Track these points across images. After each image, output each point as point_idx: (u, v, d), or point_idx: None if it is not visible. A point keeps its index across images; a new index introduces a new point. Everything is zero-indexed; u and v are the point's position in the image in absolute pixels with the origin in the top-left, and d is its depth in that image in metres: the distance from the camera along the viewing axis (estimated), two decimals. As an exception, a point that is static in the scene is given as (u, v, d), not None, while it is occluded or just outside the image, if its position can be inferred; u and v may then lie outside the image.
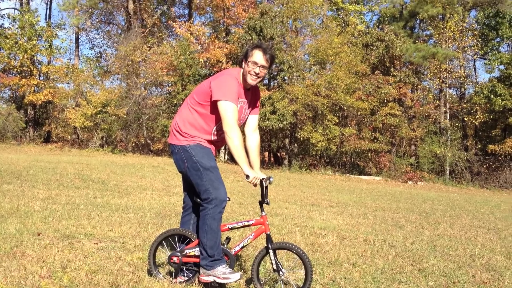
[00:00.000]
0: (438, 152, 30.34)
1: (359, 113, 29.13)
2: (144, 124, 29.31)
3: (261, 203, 3.83)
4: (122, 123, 28.70)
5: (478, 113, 30.89)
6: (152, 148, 29.02)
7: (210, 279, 3.70)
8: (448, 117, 32.92)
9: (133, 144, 29.44)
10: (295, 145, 29.89)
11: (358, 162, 31.51)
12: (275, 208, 9.69)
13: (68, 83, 31.07)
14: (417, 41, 32.26)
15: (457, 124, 34.00)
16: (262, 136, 30.11)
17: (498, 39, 31.87)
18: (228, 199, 3.80)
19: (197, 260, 3.82)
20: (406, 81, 30.78)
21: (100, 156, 22.69)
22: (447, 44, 31.88)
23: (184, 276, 3.93)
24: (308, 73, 30.58)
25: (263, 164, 30.72)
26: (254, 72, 3.87)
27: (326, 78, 27.38)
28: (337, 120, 27.89)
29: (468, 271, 5.27)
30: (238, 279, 3.71)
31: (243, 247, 3.93)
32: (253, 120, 4.14)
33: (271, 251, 3.77)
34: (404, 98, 31.01)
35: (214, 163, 3.86)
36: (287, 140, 30.28)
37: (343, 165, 31.18)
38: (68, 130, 32.22)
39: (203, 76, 28.28)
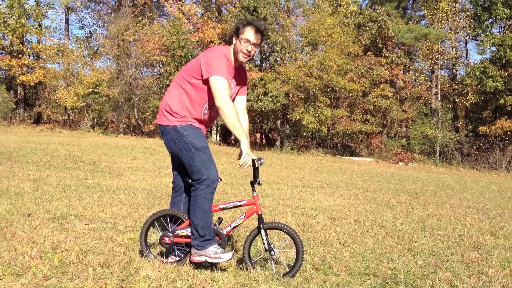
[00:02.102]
0: (429, 133, 30.50)
1: (351, 94, 29.13)
2: (135, 105, 29.14)
3: (252, 184, 3.82)
4: (113, 104, 28.52)
5: (469, 94, 30.98)
6: (143, 130, 28.90)
7: (201, 259, 3.70)
8: (439, 98, 33.00)
9: (124, 125, 29.30)
10: (287, 126, 29.91)
11: (350, 144, 31.64)
12: (267, 189, 9.73)
13: (59, 63, 30.76)
14: (409, 22, 32.16)
15: (448, 106, 34.12)
16: (254, 117, 30.11)
17: (490, 20, 31.78)
18: (219, 179, 3.80)
19: (188, 240, 3.81)
20: (398, 62, 30.78)
21: (91, 137, 22.58)
22: (439, 25, 31.81)
23: (175, 256, 3.93)
24: (300, 54, 30.45)
25: (255, 145, 30.75)
26: (247, 50, 3.83)
27: (318, 59, 27.29)
28: (329, 102, 27.90)
29: (457, 250, 5.33)
30: (230, 259, 3.71)
31: (235, 227, 3.93)
32: (241, 101, 4.10)
33: (262, 231, 3.78)
34: (396, 80, 31.04)
35: (205, 143, 3.83)
36: (279, 122, 30.28)
37: (335, 146, 31.28)
38: (59, 111, 31.99)
39: (195, 57, 28.03)
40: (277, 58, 29.03)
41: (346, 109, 29.84)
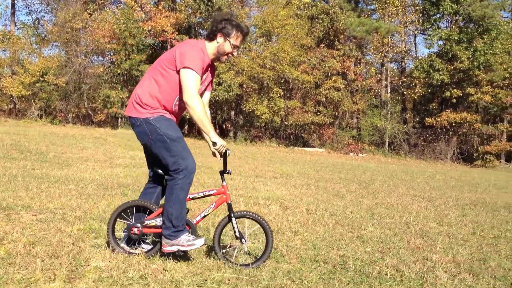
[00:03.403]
0: (378, 124, 31.29)
1: (303, 86, 29.45)
2: (85, 94, 28.40)
3: (222, 173, 3.84)
4: (61, 92, 27.66)
5: (417, 87, 31.98)
6: (93, 119, 28.23)
7: (173, 248, 3.65)
8: (388, 91, 33.89)
9: (74, 115, 28.51)
10: (241, 117, 29.96)
11: (302, 135, 32.04)
12: (220, 179, 9.72)
13: (4, 50, 29.52)
14: (361, 15, 32.75)
15: (397, 98, 35.10)
16: (209, 107, 29.93)
17: (438, 15, 32.85)
18: None
19: (157, 230, 3.75)
20: (349, 54, 31.31)
21: (38, 127, 21.86)
22: (389, 19, 32.57)
23: (142, 248, 3.88)
24: (254, 45, 30.47)
25: (208, 135, 30.58)
26: (232, 54, 3.82)
27: (272, 50, 27.40)
28: (282, 93, 28.11)
29: (403, 237, 5.52)
30: (203, 244, 3.70)
31: (204, 216, 3.92)
32: (207, 96, 4.04)
33: (233, 220, 3.80)
34: (347, 72, 31.60)
35: (180, 133, 3.73)
36: (232, 112, 30.29)
37: (288, 137, 31.60)
38: (5, 100, 30.74)
39: (147, 46, 27.58)
40: (231, 49, 28.91)
41: (299, 100, 30.15)
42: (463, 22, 32.36)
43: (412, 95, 32.77)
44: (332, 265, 4.12)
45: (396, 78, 35.58)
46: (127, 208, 3.92)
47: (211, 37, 3.81)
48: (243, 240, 3.84)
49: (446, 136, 31.78)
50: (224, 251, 3.99)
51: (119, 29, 25.91)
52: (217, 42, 3.79)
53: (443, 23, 34.10)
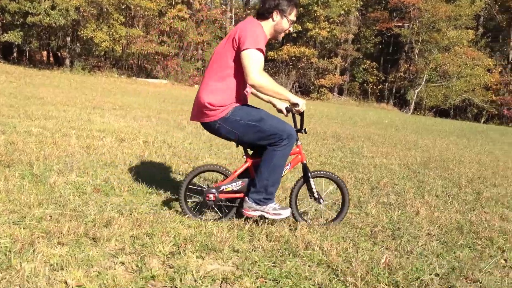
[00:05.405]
0: (223, 56, 31.54)
1: (146, 13, 28.22)
2: None
3: (297, 132, 3.59)
4: None
5: (260, 20, 32.63)
6: None
7: (256, 213, 3.51)
8: (233, 23, 34.11)
9: None
10: (78, 44, 27.93)
11: (146, 65, 31.06)
12: (52, 110, 9.03)
13: None
14: None
15: (241, 30, 35.52)
16: (40, 33, 27.47)
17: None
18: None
19: (234, 195, 3.59)
20: (194, -17, 30.59)
21: None
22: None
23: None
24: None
25: (42, 64, 28.30)
26: (289, 30, 3.59)
27: (111, -27, 25.57)
28: (123, 20, 26.67)
29: (238, 165, 5.69)
30: (289, 216, 3.56)
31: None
32: None
33: (311, 180, 3.67)
34: (192, 1, 30.96)
35: (259, 109, 3.50)
36: (68, 39, 28.04)
37: (130, 67, 30.42)
38: None
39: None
40: (65, -32, 26.34)
41: (141, 29, 28.93)
42: (303, -43, 33.32)
43: (255, 28, 33.41)
44: (165, 197, 4.08)
45: (241, 10, 35.82)
46: (201, 172, 3.72)
47: (266, 16, 3.48)
48: (321, 200, 3.72)
49: (286, 69, 33.31)
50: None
51: None
52: (273, 21, 3.49)
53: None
